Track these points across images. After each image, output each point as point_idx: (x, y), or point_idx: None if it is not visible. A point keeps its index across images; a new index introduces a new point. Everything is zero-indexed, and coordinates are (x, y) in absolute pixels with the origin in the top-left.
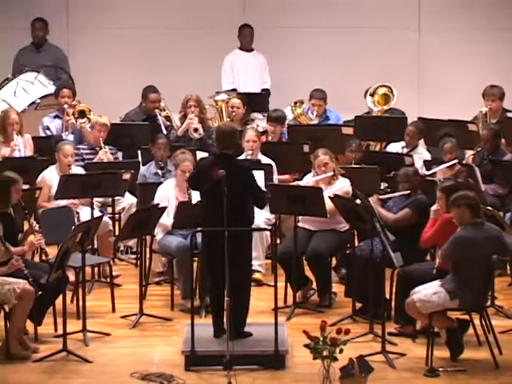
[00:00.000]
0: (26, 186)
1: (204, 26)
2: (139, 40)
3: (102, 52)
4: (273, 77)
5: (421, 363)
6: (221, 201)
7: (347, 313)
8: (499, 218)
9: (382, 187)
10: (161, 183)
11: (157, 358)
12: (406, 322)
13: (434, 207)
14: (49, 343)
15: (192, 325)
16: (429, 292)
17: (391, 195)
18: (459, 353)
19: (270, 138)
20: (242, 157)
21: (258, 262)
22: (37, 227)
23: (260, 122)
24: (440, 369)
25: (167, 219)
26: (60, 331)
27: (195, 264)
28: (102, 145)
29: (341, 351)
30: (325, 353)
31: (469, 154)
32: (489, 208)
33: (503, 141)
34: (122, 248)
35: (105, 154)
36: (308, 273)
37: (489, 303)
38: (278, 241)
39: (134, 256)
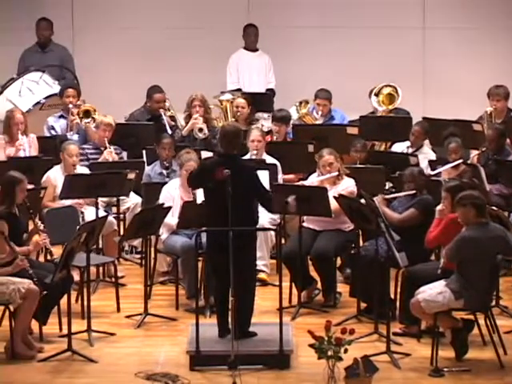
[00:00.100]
0: (30, 186)
1: (209, 25)
2: (144, 40)
3: (107, 52)
4: (278, 77)
5: (426, 363)
6: (225, 201)
7: (352, 313)
8: (504, 218)
9: (387, 187)
10: (165, 183)
11: (162, 358)
12: (410, 322)
13: (439, 207)
14: (54, 343)
15: (197, 325)
16: (434, 292)
17: (396, 195)
18: (464, 353)
19: (274, 137)
20: (247, 157)
21: (263, 262)
22: (41, 227)
23: (265, 121)
24: (445, 369)
25: (172, 219)
26: (65, 331)
27: (200, 264)
28: (107, 145)
29: (345, 351)
30: (329, 353)
31: (474, 153)
32: (493, 208)
33: (508, 141)
34: (126, 248)
35: (110, 154)
36: (313, 273)
37: (494, 303)
38: (283, 241)
39: (138, 256)
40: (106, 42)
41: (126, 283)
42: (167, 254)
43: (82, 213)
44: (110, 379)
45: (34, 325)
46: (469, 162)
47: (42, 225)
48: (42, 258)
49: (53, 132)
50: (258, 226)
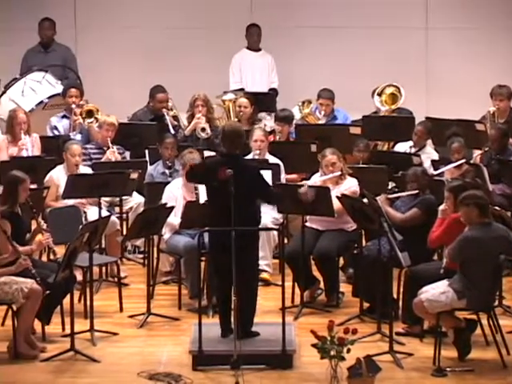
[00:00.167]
0: (33, 186)
1: (212, 25)
2: (146, 40)
3: (109, 52)
4: (280, 76)
5: (428, 363)
6: (227, 201)
7: (355, 312)
8: (507, 218)
9: (390, 187)
10: (168, 183)
11: (164, 358)
12: (413, 322)
13: (441, 207)
14: (56, 343)
15: (199, 324)
16: (436, 292)
17: (399, 195)
18: (467, 353)
19: (277, 137)
20: (250, 156)
21: (266, 262)
22: (44, 226)
23: (267, 121)
24: (447, 369)
25: (175, 219)
26: (68, 331)
27: (203, 264)
28: (110, 144)
29: (348, 351)
30: (332, 352)
31: (476, 153)
32: (496, 208)
33: (511, 140)
34: (129, 247)
35: (112, 154)
36: (315, 272)
37: (496, 303)
38: (286, 240)
39: (141, 255)
40: (109, 41)
41: (129, 283)
42: (170, 254)
43: (85, 212)
44: (112, 379)
45: (37, 324)
46: (472, 161)
47: (45, 224)
48: (44, 258)
49: (55, 132)
50: (260, 226)
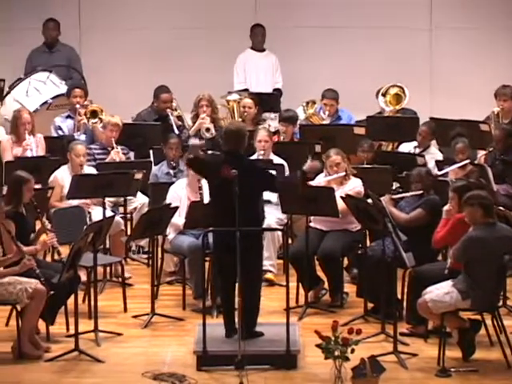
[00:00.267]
0: (38, 186)
1: (216, 25)
2: (151, 40)
3: (114, 52)
4: (285, 77)
5: (433, 363)
6: (231, 201)
7: (359, 313)
8: (511, 218)
9: (394, 187)
10: (173, 183)
11: (168, 358)
12: (417, 322)
13: (446, 207)
14: (61, 343)
15: (204, 325)
16: (441, 292)
17: (403, 195)
18: (471, 353)
19: (281, 137)
20: (254, 157)
21: (270, 262)
22: (49, 226)
23: (272, 121)
24: (452, 369)
25: (179, 219)
26: (72, 331)
27: (207, 264)
28: (114, 145)
29: (352, 351)
30: (336, 353)
31: (481, 154)
32: (501, 208)
33: None
34: (133, 248)
35: (117, 154)
36: (320, 273)
37: (501, 303)
38: (290, 241)
39: (145, 256)
40: (113, 42)
41: (133, 283)
42: (174, 254)
43: (89, 213)
44: (116, 379)
45: (41, 325)
46: (476, 162)
47: (50, 224)
48: (49, 258)
49: (60, 132)
50: (264, 226)
